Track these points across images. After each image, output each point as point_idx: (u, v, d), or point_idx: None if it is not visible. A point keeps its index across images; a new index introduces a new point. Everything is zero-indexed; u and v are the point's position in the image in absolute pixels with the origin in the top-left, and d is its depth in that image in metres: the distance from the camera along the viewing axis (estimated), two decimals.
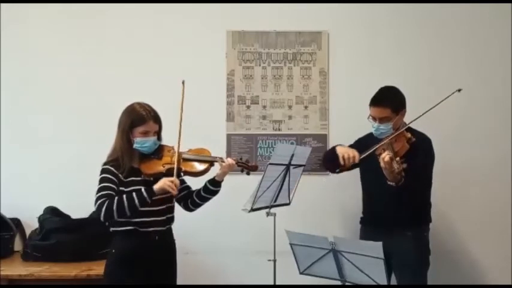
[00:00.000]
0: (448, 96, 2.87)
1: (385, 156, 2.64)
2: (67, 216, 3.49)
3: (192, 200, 2.84)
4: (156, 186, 2.56)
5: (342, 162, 2.94)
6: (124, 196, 2.55)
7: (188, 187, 2.90)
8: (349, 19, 3.74)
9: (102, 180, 2.61)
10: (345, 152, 2.94)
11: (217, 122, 3.71)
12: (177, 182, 2.58)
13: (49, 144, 3.66)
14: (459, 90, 2.86)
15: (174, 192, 2.55)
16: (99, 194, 2.57)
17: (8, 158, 3.67)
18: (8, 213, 3.54)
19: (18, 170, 3.66)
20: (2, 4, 3.67)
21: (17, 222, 3.58)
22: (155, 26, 3.71)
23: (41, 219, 3.43)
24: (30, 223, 3.56)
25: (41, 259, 3.28)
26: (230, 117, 3.74)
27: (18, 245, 3.54)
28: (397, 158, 2.64)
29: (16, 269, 3.18)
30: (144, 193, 2.55)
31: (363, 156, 2.91)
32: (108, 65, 3.69)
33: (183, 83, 2.77)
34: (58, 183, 3.62)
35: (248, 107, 3.74)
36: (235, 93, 3.74)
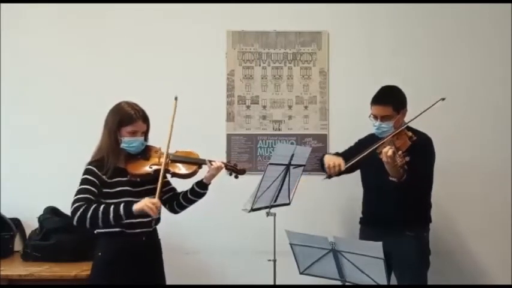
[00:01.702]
0: (432, 105, 2.87)
1: (388, 150, 2.65)
2: (67, 216, 3.44)
3: (178, 202, 2.80)
4: (135, 207, 2.48)
5: (327, 171, 2.99)
6: (101, 208, 2.48)
7: (174, 189, 2.86)
8: (349, 19, 3.74)
9: (82, 182, 2.58)
10: (330, 161, 2.99)
11: (217, 122, 3.71)
12: (159, 204, 2.51)
13: (49, 144, 3.66)
14: (443, 99, 2.86)
15: (154, 215, 2.48)
16: (77, 196, 2.53)
17: (8, 158, 3.67)
18: (8, 213, 3.53)
19: (18, 170, 3.66)
20: (2, 4, 3.67)
21: (17, 222, 3.58)
22: (155, 26, 3.71)
23: (41, 219, 3.42)
24: (30, 223, 3.56)
25: (41, 259, 3.27)
26: (230, 117, 3.74)
27: (18, 245, 3.54)
28: (400, 152, 2.66)
29: (16, 269, 3.18)
30: (121, 210, 2.48)
31: (349, 164, 2.94)
32: (108, 65, 3.69)
33: (175, 98, 2.72)
34: (58, 183, 3.60)
35: (248, 107, 3.74)
36: (235, 93, 3.74)
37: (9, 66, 3.68)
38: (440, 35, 3.74)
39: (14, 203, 3.58)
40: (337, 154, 3.20)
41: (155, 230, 2.76)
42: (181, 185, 2.86)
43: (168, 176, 2.76)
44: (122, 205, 2.49)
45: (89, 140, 3.56)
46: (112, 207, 2.49)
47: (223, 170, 2.78)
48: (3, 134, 3.67)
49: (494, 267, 3.70)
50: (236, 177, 2.80)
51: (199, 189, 2.77)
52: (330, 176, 3.01)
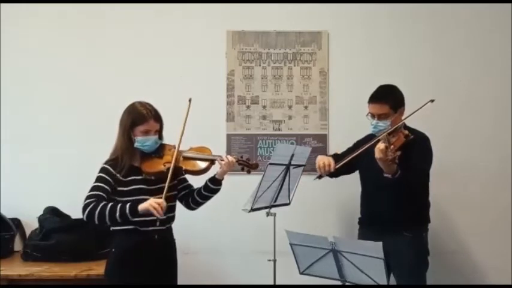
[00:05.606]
0: (421, 107, 2.87)
1: (380, 145, 2.67)
2: (67, 216, 3.49)
3: (193, 198, 2.85)
4: (141, 206, 2.50)
5: (317, 171, 2.99)
6: (108, 206, 2.51)
7: (190, 186, 2.90)
8: (349, 19, 3.75)
9: (96, 179, 2.63)
10: (320, 161, 2.98)
11: (217, 122, 3.71)
12: (164, 204, 2.51)
13: (49, 144, 3.66)
14: (432, 101, 2.86)
15: (159, 215, 2.49)
16: (90, 193, 2.58)
17: (8, 158, 3.67)
18: (8, 213, 3.54)
19: (18, 170, 3.66)
20: (2, 4, 3.67)
21: (17, 222, 3.58)
22: (155, 26, 3.71)
23: (41, 219, 3.42)
24: (30, 223, 3.56)
25: (41, 259, 3.27)
26: (230, 117, 3.74)
27: (18, 245, 3.54)
28: (392, 147, 2.67)
29: (16, 269, 3.18)
30: (127, 209, 2.51)
31: (339, 164, 2.95)
32: (108, 65, 3.69)
33: (189, 100, 2.73)
34: (58, 183, 3.62)
35: (248, 107, 3.74)
36: (235, 93, 3.74)
37: (9, 66, 3.68)
38: (440, 35, 3.74)
39: (14, 203, 3.58)
40: (335, 155, 3.20)
41: (169, 229, 2.79)
42: (196, 181, 2.87)
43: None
44: (128, 204, 2.53)
45: (89, 139, 3.61)
46: (119, 206, 2.53)
47: (236, 165, 2.80)
48: (3, 134, 3.67)
49: (494, 267, 3.70)
50: (249, 172, 2.81)
51: (213, 185, 2.80)
52: (320, 176, 3.01)
